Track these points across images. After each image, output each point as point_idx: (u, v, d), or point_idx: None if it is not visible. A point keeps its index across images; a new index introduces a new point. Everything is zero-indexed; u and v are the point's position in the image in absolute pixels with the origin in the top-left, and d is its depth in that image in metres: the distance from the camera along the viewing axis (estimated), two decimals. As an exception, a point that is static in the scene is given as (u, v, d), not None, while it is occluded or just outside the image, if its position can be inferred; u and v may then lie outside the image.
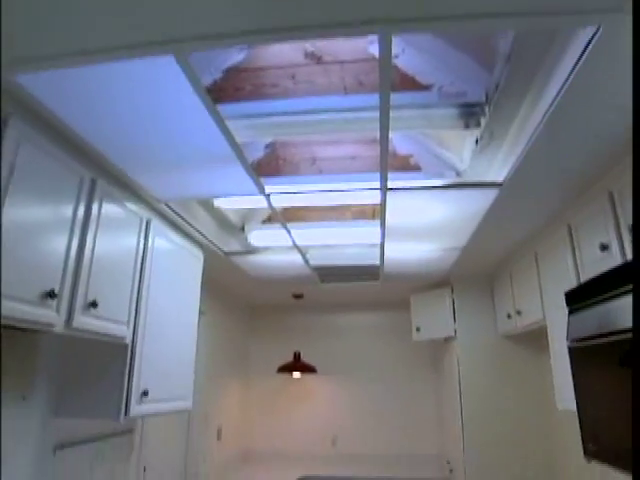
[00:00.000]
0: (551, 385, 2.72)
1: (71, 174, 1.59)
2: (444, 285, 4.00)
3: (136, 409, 1.92)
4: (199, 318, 2.76)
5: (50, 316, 1.46)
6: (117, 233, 1.89)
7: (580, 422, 1.99)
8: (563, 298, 2.18)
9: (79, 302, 1.58)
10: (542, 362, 3.49)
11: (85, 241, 1.64)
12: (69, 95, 1.38)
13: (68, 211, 1.57)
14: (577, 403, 2.02)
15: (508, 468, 3.44)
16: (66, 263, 1.54)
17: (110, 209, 1.82)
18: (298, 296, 4.60)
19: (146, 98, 1.41)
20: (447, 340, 4.10)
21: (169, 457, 3.24)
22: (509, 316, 3.37)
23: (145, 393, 1.97)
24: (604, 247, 1.89)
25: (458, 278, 3.86)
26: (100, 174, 1.77)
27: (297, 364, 4.65)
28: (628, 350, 1.59)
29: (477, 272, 3.75)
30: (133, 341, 1.95)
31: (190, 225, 2.52)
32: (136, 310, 1.97)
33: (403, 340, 4.71)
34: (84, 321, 1.61)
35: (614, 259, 1.82)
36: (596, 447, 1.85)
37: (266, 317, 5.15)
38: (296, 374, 4.70)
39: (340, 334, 5.00)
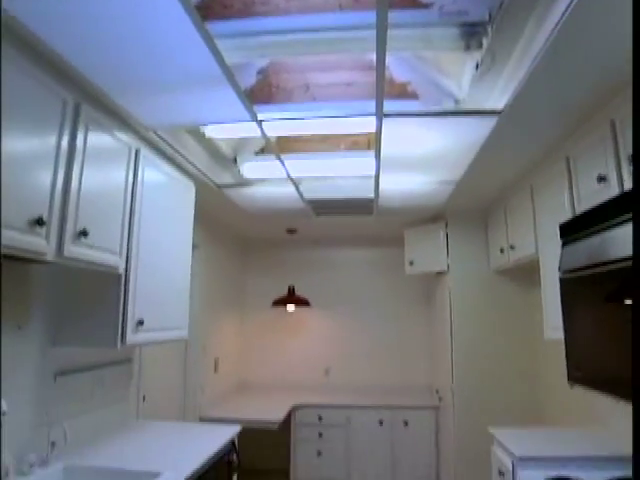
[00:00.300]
0: (539, 318, 2.79)
1: (54, 97, 1.52)
2: (438, 220, 3.99)
3: (132, 337, 1.95)
4: (193, 251, 2.76)
5: (40, 244, 1.44)
6: (105, 162, 1.84)
7: (566, 350, 2.05)
8: (557, 231, 2.18)
9: (69, 231, 1.55)
10: (531, 297, 3.57)
11: (72, 168, 1.59)
12: (49, 14, 1.29)
13: (52, 137, 1.51)
14: (564, 332, 2.08)
15: (494, 395, 3.60)
16: (53, 191, 1.50)
17: (97, 137, 1.75)
18: (292, 231, 4.60)
19: (130, 15, 1.32)
20: (440, 274, 4.15)
21: (168, 387, 3.35)
22: (502, 251, 3.40)
23: (140, 322, 1.99)
24: (602, 179, 1.86)
25: (452, 213, 3.85)
26: (84, 98, 1.69)
27: (291, 297, 4.72)
28: (617, 286, 1.60)
29: (472, 207, 3.74)
30: (126, 271, 1.95)
31: (181, 155, 2.45)
32: (128, 240, 1.96)
33: (396, 275, 4.77)
34: (75, 250, 1.60)
35: (612, 190, 1.80)
36: (580, 373, 1.92)
37: (260, 252, 5.18)
38: (290, 307, 4.79)
39: (334, 269, 5.05)
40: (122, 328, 1.90)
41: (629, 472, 1.90)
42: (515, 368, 3.64)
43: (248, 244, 5.18)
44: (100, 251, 1.75)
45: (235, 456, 2.42)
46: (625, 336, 1.56)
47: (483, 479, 2.65)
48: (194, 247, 2.82)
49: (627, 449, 2.08)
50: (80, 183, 1.62)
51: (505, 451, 2.28)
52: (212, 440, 2.30)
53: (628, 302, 1.55)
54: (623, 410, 2.28)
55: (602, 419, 2.50)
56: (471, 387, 3.63)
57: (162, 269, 2.29)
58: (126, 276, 1.95)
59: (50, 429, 1.93)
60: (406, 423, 4.19)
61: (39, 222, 1.39)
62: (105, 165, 1.83)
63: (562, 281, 2.10)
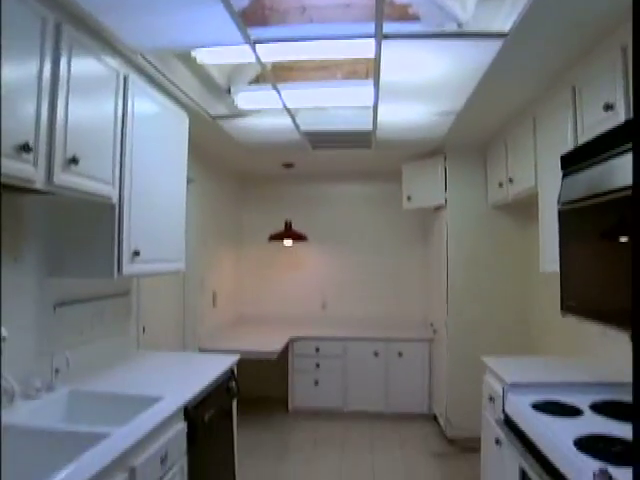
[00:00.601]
0: (534, 254, 2.81)
1: (32, 15, 1.41)
2: (437, 154, 3.93)
3: (129, 268, 1.96)
4: (188, 185, 2.72)
5: (28, 171, 1.40)
6: (93, 88, 1.76)
7: (561, 281, 2.07)
8: (558, 163, 2.14)
9: (58, 158, 1.50)
10: (528, 232, 3.58)
11: (57, 93, 1.52)
12: None
13: (33, 60, 1.43)
14: (560, 265, 2.09)
15: (488, 328, 3.69)
16: (39, 117, 1.43)
17: (82, 61, 1.66)
18: (289, 165, 4.53)
19: None
20: (437, 209, 4.14)
21: (167, 320, 3.41)
22: (500, 185, 3.37)
23: (137, 253, 1.99)
24: (608, 107, 1.81)
25: (452, 147, 3.78)
26: (66, 18, 1.58)
27: (288, 232, 4.72)
28: (614, 224, 1.59)
29: (471, 141, 3.66)
30: (120, 201, 1.92)
31: (172, 83, 2.36)
32: (120, 170, 1.91)
33: (393, 210, 4.76)
34: (65, 178, 1.56)
35: (618, 118, 1.75)
36: (574, 303, 1.95)
37: (257, 187, 5.13)
38: (287, 242, 4.80)
39: (331, 204, 5.03)
40: (118, 259, 1.90)
41: (612, 396, 1.97)
42: (509, 302, 3.72)
43: (244, 179, 5.12)
44: (92, 180, 1.71)
45: (234, 383, 2.50)
46: (619, 269, 1.57)
47: (473, 406, 2.76)
48: (189, 181, 2.78)
49: (612, 376, 2.16)
50: (67, 107, 1.55)
51: (496, 378, 2.36)
52: (212, 368, 2.36)
53: (623, 240, 1.55)
54: (610, 341, 2.35)
55: (590, 350, 2.57)
56: (465, 321, 3.72)
57: (157, 200, 2.26)
58: (120, 206, 1.93)
59: (53, 357, 1.97)
60: (400, 354, 4.33)
61: (25, 148, 1.34)
62: (92, 91, 1.75)
63: (561, 213, 2.09)
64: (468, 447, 3.54)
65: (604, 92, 1.86)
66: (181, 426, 1.83)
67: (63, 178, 1.54)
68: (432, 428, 4.12)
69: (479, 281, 3.75)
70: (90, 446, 1.34)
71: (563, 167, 2.09)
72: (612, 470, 1.23)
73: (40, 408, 1.75)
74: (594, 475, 1.23)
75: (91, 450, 1.32)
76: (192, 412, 1.91)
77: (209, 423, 2.10)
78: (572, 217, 1.99)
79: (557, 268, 2.12)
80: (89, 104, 1.73)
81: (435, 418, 4.23)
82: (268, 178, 5.07)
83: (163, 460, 1.65)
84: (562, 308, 2.04)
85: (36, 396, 1.79)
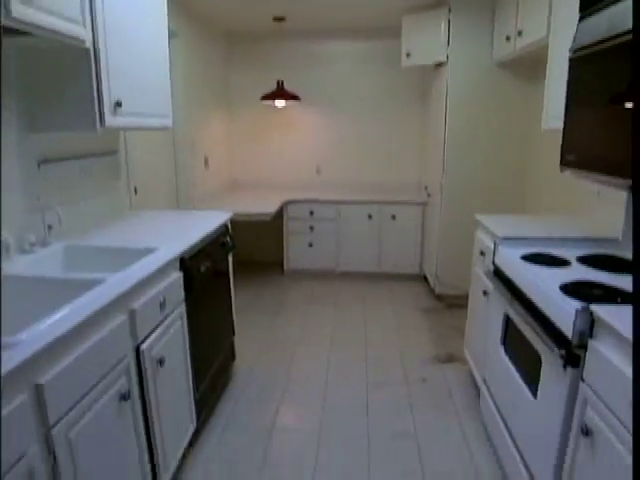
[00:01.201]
0: (535, 114, 2.68)
1: None
2: (441, 5, 3.60)
3: (112, 120, 1.85)
4: (171, 40, 2.50)
5: (-18, 0, 1.23)
6: None
7: (563, 136, 1.99)
8: (574, 7, 1.95)
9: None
10: (531, 92, 3.45)
11: None
12: None
13: None
14: (565, 120, 1.99)
15: (483, 188, 3.71)
16: None
17: None
18: (279, 19, 4.15)
19: None
20: (438, 67, 3.91)
21: (159, 182, 3.37)
22: (508, 38, 3.15)
23: (118, 104, 1.86)
24: None
25: (457, -3, 3.46)
26: None
27: (280, 92, 4.47)
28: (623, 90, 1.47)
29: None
30: (95, 46, 1.75)
31: None
32: (90, 8, 1.71)
33: (391, 69, 4.52)
34: (24, 11, 1.38)
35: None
36: (574, 157, 1.89)
37: (246, 45, 4.76)
38: (279, 102, 4.58)
39: (326, 63, 4.72)
40: (99, 109, 1.78)
41: (600, 250, 2.02)
42: (506, 163, 3.70)
43: (232, 37, 4.72)
44: (54, 16, 1.51)
45: (229, 239, 2.53)
46: (623, 126, 1.49)
47: (463, 266, 2.85)
48: (172, 35, 2.55)
49: (600, 232, 2.20)
50: None
51: (488, 233, 2.40)
52: (206, 223, 2.38)
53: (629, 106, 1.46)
54: (603, 201, 2.35)
55: (583, 211, 2.59)
56: (460, 182, 3.72)
57: (136, 49, 2.06)
58: (96, 52, 1.75)
59: (44, 214, 1.95)
60: (394, 217, 4.39)
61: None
62: None
63: (572, 62, 1.94)
64: (454, 304, 3.75)
65: None
66: (177, 275, 1.89)
67: (22, 11, 1.37)
68: (422, 287, 4.34)
69: (478, 141, 3.67)
70: (87, 291, 1.37)
71: (582, 9, 1.90)
72: (593, 307, 1.28)
73: (37, 261, 1.78)
74: (576, 312, 1.28)
75: (88, 293, 1.35)
76: (188, 262, 1.96)
77: (205, 274, 2.16)
78: (583, 65, 1.86)
79: (560, 125, 2.03)
80: None
81: (425, 279, 4.43)
82: (258, 35, 4.68)
83: (162, 305, 1.71)
84: (561, 163, 1.99)
85: (31, 250, 1.82)
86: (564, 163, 1.97)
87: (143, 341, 1.59)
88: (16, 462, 0.99)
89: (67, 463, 1.16)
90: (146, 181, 3.05)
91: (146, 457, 1.64)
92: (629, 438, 1.10)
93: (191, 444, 2.13)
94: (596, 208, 2.45)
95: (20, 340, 1.06)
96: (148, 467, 1.66)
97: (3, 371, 0.94)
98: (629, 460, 1.10)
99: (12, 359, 0.99)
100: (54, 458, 1.12)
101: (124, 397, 1.44)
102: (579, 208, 2.64)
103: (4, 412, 0.95)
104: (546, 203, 3.26)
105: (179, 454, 1.96)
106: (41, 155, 1.97)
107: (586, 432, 1.28)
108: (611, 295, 1.44)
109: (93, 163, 2.33)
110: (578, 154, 1.87)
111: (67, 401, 1.16)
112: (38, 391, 1.06)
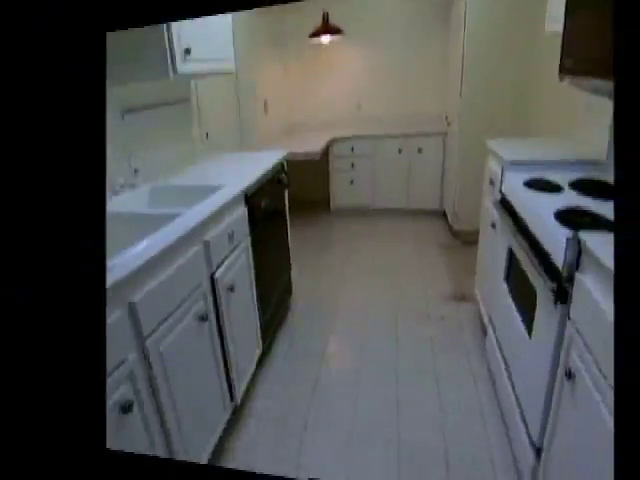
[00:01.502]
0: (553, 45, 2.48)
1: None
2: None
3: (182, 67, 1.97)
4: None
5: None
6: None
7: (563, 40, 1.87)
8: None
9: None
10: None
11: None
12: None
13: None
14: (565, 21, 1.85)
15: (498, 115, 3.66)
16: None
17: None
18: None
19: None
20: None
21: (225, 127, 3.53)
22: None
23: (187, 51, 1.99)
24: None
25: None
26: None
27: (326, 26, 4.50)
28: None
29: None
30: (163, -3, 1.86)
31: None
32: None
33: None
34: None
35: None
36: (572, 62, 1.79)
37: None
38: (325, 38, 4.57)
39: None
40: (171, 57, 1.91)
41: (590, 174, 1.94)
42: (516, 90, 3.61)
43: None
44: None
45: (284, 175, 2.74)
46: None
47: (478, 202, 2.82)
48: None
49: (591, 154, 2.14)
50: None
51: (496, 158, 2.37)
52: (266, 161, 2.55)
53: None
54: (594, 117, 2.28)
55: (578, 130, 2.53)
56: (477, 103, 3.67)
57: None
58: (164, 3, 1.87)
59: (130, 159, 2.16)
60: (420, 150, 4.47)
61: None
62: None
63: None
64: (469, 241, 3.79)
65: None
66: (242, 209, 2.07)
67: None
68: (441, 223, 4.49)
69: (493, 67, 3.57)
70: (169, 222, 1.56)
71: None
72: (581, 234, 1.27)
73: (126, 200, 2.00)
74: (567, 240, 1.28)
75: (169, 225, 1.54)
76: (250, 198, 2.14)
77: (266, 209, 2.35)
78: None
79: (559, 27, 1.90)
80: None
81: (444, 214, 4.52)
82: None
83: (230, 237, 1.89)
84: (560, 71, 1.89)
85: (121, 191, 2.03)
86: (562, 71, 1.87)
87: (216, 270, 1.78)
88: (119, 364, 1.19)
89: (160, 370, 1.38)
90: (215, 128, 3.21)
91: (223, 372, 1.87)
92: (606, 387, 1.03)
93: (257, 366, 2.39)
94: (588, 127, 2.37)
95: (114, 264, 1.23)
96: (225, 382, 1.90)
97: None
98: (606, 415, 1.03)
99: (108, 280, 1.14)
100: (149, 365, 1.32)
101: (203, 318, 1.64)
102: (575, 128, 2.58)
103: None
104: (547, 124, 3.21)
105: (249, 373, 2.21)
106: (124, 107, 2.14)
107: (569, 375, 1.23)
108: (598, 224, 1.37)
109: (170, 111, 2.51)
110: (576, 58, 1.76)
111: (157, 317, 1.36)
112: (132, 308, 1.24)
